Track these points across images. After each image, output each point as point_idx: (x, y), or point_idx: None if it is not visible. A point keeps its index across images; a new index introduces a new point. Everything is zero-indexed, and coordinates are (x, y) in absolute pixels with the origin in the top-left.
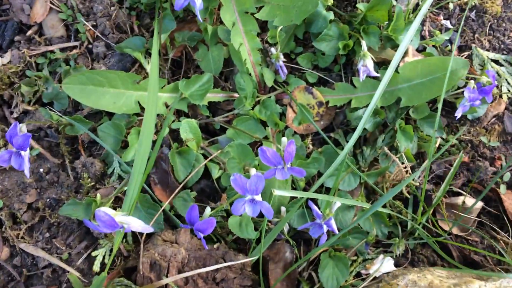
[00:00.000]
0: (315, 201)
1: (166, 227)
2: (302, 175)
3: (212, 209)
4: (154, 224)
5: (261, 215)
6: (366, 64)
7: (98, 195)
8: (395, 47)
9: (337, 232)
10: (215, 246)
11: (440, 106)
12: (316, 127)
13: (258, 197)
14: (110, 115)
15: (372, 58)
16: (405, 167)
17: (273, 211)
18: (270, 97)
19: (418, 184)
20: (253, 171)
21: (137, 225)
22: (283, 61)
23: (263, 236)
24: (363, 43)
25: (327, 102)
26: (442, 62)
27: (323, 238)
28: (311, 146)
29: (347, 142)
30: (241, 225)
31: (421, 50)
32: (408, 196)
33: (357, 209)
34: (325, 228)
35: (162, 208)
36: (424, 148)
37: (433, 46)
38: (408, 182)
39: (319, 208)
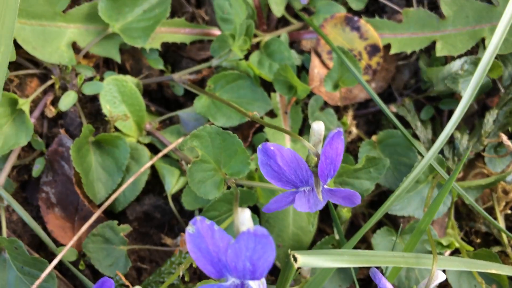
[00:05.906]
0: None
1: None
2: (354, 203)
3: (161, 256)
4: None
5: None
6: None
7: None
8: None
9: None
10: None
11: None
12: (371, 93)
13: (256, 284)
14: None
15: None
16: None
17: None
18: (279, 36)
19: None
20: (245, 217)
21: None
22: None
23: None
24: None
25: (386, 46)
26: None
27: None
28: (354, 130)
29: (422, 122)
30: None
31: None
32: None
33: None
34: None
35: (56, 259)
36: None
37: None
38: None
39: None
